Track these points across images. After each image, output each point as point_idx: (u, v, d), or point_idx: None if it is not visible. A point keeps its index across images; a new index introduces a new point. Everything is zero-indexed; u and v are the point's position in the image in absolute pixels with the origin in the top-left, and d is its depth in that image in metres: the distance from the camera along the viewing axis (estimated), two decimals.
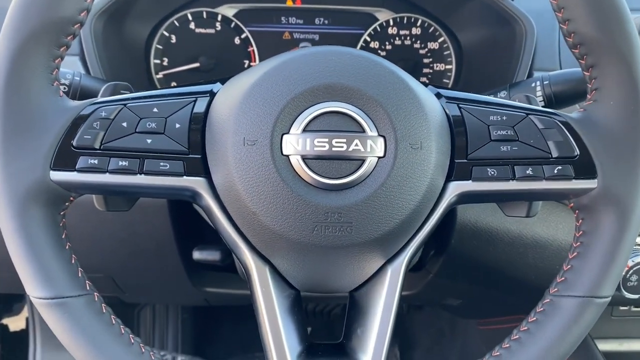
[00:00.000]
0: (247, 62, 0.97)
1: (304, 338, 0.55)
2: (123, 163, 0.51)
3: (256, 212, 0.50)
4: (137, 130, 0.51)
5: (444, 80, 0.98)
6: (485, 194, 0.54)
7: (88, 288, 0.51)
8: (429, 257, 0.93)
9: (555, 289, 0.55)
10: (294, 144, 0.50)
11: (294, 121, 0.50)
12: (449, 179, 0.54)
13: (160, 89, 0.68)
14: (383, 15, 0.97)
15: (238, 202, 0.51)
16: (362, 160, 0.50)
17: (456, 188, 0.54)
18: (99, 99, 0.53)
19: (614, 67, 0.53)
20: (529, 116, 0.55)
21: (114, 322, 0.52)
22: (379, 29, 0.97)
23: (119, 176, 0.51)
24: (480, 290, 1.00)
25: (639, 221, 0.54)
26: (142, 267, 0.96)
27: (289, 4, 0.95)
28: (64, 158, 0.50)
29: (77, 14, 0.50)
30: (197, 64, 0.94)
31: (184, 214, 0.85)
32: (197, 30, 0.95)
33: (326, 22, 0.97)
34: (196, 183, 0.52)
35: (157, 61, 0.95)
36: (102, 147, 0.51)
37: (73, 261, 0.52)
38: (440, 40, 0.97)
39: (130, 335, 0.52)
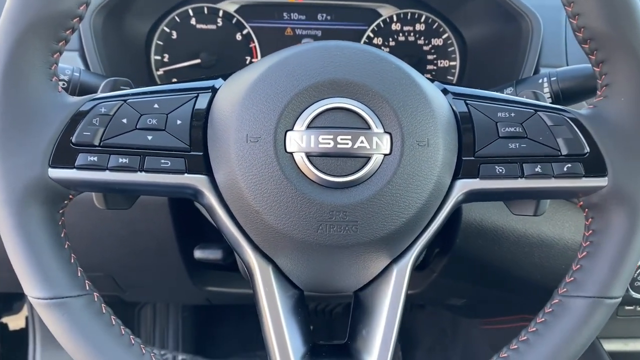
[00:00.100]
0: (248, 58, 0.96)
1: (308, 339, 0.54)
2: (123, 160, 0.50)
3: (259, 211, 0.49)
4: (137, 127, 0.50)
5: (448, 77, 0.97)
6: (493, 192, 0.53)
7: (87, 288, 0.50)
8: (432, 256, 0.92)
9: (564, 289, 0.54)
10: (298, 140, 0.49)
11: (297, 117, 0.49)
12: (456, 176, 0.53)
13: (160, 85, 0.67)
14: (386, 11, 0.96)
15: (241, 201, 0.50)
16: (368, 158, 0.49)
17: (463, 186, 0.53)
18: (99, 95, 0.52)
19: (625, 63, 0.52)
20: (538, 113, 0.54)
21: (114, 322, 0.51)
22: (382, 25, 0.96)
23: (119, 174, 0.50)
24: (484, 289, 0.99)
25: None
26: (142, 266, 0.95)
27: None
28: (63, 155, 0.49)
29: (76, 7, 0.49)
30: (198, 60, 0.93)
31: (185, 212, 0.84)
32: (198, 26, 0.94)
33: (329, 18, 0.96)
34: (198, 181, 0.51)
35: (158, 57, 0.94)
36: (101, 144, 0.50)
37: (72, 260, 0.51)
38: (444, 36, 0.96)
39: (131, 336, 0.51)
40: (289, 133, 0.49)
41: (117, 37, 0.87)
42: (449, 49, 0.96)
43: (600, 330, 0.53)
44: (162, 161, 0.50)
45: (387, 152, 0.50)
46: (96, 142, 0.49)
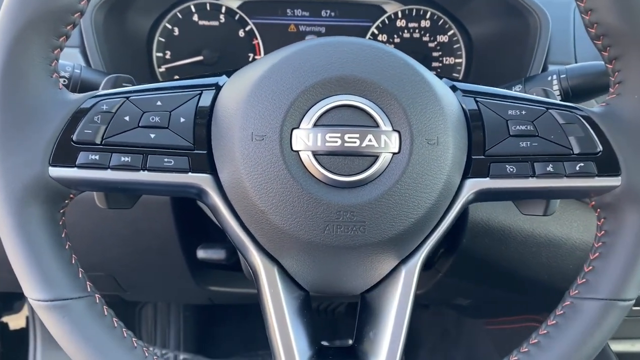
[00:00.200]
0: (251, 55, 0.94)
1: (314, 341, 0.53)
2: (125, 159, 0.48)
3: (265, 211, 0.48)
4: (140, 125, 0.49)
5: (453, 74, 0.96)
6: (503, 191, 0.52)
7: (89, 289, 0.49)
8: (438, 256, 0.91)
9: (576, 291, 0.53)
10: (305, 139, 0.48)
11: (304, 115, 0.48)
12: (465, 176, 0.52)
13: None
14: (391, 7, 0.94)
15: (246, 200, 0.49)
16: (376, 157, 0.48)
17: (473, 185, 0.52)
18: (100, 92, 0.51)
19: (639, 59, 0.51)
20: (549, 110, 0.53)
21: (116, 325, 0.50)
22: (387, 22, 0.95)
23: (121, 172, 0.49)
24: (490, 289, 0.98)
25: None
26: (144, 265, 0.94)
27: None
28: (64, 153, 0.48)
29: (77, 2, 0.48)
30: (200, 57, 0.92)
31: (187, 210, 0.83)
32: (201, 22, 0.93)
33: (333, 14, 0.95)
34: (202, 180, 0.50)
35: (160, 54, 0.93)
36: (103, 142, 0.48)
37: (73, 261, 0.50)
38: (449, 33, 0.95)
39: (133, 339, 0.50)
40: (295, 131, 0.48)
41: (119, 34, 0.86)
42: (455, 46, 0.95)
43: (613, 333, 0.52)
44: (165, 160, 0.49)
45: (396, 150, 0.48)
46: (98, 140, 0.48)
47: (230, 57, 0.93)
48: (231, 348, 1.55)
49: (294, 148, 0.48)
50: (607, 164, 0.52)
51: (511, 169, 0.51)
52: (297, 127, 0.48)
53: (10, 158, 0.47)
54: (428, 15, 0.94)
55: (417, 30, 0.95)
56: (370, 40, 0.53)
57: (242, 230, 0.51)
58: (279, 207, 0.48)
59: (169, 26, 0.92)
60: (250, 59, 0.94)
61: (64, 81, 0.68)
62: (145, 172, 0.49)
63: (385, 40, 0.95)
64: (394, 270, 0.52)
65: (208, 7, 0.93)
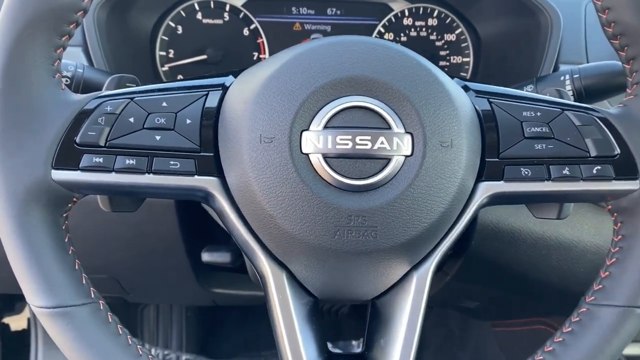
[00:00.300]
0: (256, 54, 0.93)
1: (323, 349, 0.52)
2: (130, 161, 0.47)
3: (273, 215, 0.47)
4: (145, 126, 0.48)
5: (461, 74, 0.95)
6: (518, 195, 0.51)
7: (93, 296, 0.48)
8: (446, 259, 0.89)
9: (592, 298, 0.52)
10: (315, 141, 0.46)
11: (314, 117, 0.47)
12: (479, 179, 0.50)
13: (166, 82, 0.65)
14: (398, 5, 0.93)
15: (253, 204, 0.47)
16: (388, 160, 0.47)
17: (487, 189, 0.50)
18: (104, 93, 0.49)
19: None
20: (565, 112, 0.51)
21: (120, 332, 0.48)
22: (393, 20, 0.93)
23: (125, 175, 0.47)
24: (498, 292, 0.96)
25: None
26: (148, 268, 0.93)
27: None
28: (67, 156, 0.47)
29: (80, 0, 0.47)
30: (204, 56, 0.91)
31: (192, 213, 0.82)
32: (205, 20, 0.92)
33: (338, 12, 0.94)
34: (208, 183, 0.48)
35: (163, 53, 0.92)
36: (107, 144, 0.47)
37: (77, 267, 0.48)
38: (457, 31, 0.93)
39: (138, 346, 0.49)
40: (304, 133, 0.47)
41: (122, 32, 0.85)
42: (462, 45, 0.94)
43: (630, 341, 0.51)
44: (171, 162, 0.48)
45: (409, 153, 0.47)
46: (102, 143, 0.47)
47: (235, 56, 0.92)
48: (233, 348, 1.54)
49: (304, 150, 0.47)
50: (625, 167, 0.50)
51: (526, 172, 0.50)
52: (307, 129, 0.47)
53: (12, 160, 0.46)
54: (435, 14, 0.93)
55: (424, 29, 0.93)
56: (380, 39, 0.52)
57: (249, 235, 0.49)
58: (288, 211, 0.47)
59: (173, 24, 0.91)
60: (255, 58, 0.93)
61: (66, 81, 0.67)
62: (151, 175, 0.48)
63: (391, 38, 0.94)
64: (406, 276, 0.51)
65: (212, 5, 0.91)
